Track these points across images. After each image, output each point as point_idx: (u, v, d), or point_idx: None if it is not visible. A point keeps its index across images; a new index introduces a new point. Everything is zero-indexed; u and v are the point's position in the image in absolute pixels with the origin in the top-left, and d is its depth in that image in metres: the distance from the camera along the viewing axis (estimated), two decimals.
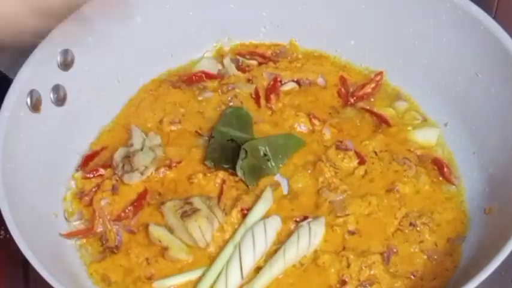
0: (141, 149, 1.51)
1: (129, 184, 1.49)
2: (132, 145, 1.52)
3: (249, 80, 1.61)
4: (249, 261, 1.40)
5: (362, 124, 1.56)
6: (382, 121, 1.56)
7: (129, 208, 1.47)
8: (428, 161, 1.52)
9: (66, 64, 1.50)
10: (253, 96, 1.60)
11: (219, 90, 1.60)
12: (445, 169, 1.50)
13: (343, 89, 1.60)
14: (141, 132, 1.53)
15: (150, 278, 1.40)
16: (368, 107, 1.58)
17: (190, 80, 1.62)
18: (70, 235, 1.45)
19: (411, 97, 1.59)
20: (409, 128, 1.55)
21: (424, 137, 1.54)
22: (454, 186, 1.49)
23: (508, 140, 1.44)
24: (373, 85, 1.60)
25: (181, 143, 1.54)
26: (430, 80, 1.57)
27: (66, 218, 1.48)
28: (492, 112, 1.48)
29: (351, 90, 1.60)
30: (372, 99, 1.59)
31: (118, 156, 1.51)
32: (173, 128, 1.56)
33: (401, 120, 1.56)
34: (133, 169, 1.49)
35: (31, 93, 1.44)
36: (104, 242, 1.44)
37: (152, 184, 1.50)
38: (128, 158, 1.50)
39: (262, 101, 1.59)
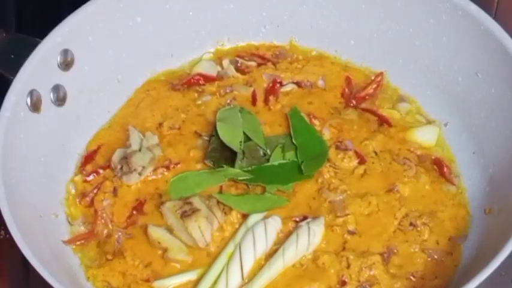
0: (139, 150, 1.51)
1: (128, 185, 1.49)
2: (130, 146, 1.52)
3: (247, 82, 1.61)
4: (249, 261, 1.40)
5: (362, 124, 1.56)
6: (383, 121, 1.56)
7: (133, 213, 1.47)
8: (428, 161, 1.52)
9: (66, 64, 1.50)
10: (251, 98, 1.59)
11: (217, 93, 1.59)
12: (445, 169, 1.50)
13: (347, 90, 1.60)
14: (138, 133, 1.53)
15: (148, 280, 1.40)
16: (370, 108, 1.58)
17: (189, 82, 1.62)
18: (71, 241, 1.45)
19: (412, 97, 1.59)
20: (410, 128, 1.55)
21: (424, 137, 1.54)
22: (454, 186, 1.49)
23: (508, 140, 1.44)
24: (374, 86, 1.60)
25: (180, 144, 1.54)
26: (430, 80, 1.57)
27: (69, 222, 1.48)
28: (492, 112, 1.48)
29: (354, 91, 1.60)
30: (375, 101, 1.59)
31: (116, 157, 1.51)
32: (172, 132, 1.56)
33: (404, 122, 1.56)
34: (131, 170, 1.49)
35: (31, 93, 1.44)
36: (102, 246, 1.44)
37: (152, 185, 1.50)
38: (125, 159, 1.50)
39: (260, 103, 1.59)
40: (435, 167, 1.51)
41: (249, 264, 1.39)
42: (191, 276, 1.40)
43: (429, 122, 1.57)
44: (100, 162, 1.53)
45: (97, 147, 1.55)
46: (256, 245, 1.40)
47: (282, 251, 1.39)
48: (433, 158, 1.52)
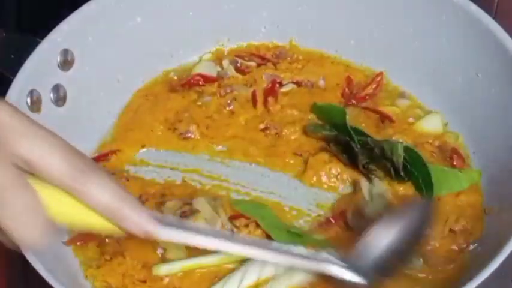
0: None
1: (130, 183, 1.49)
2: None
3: (247, 83, 1.61)
4: (251, 279, 1.36)
5: (364, 122, 1.55)
6: (385, 117, 1.55)
7: None
8: (448, 151, 1.50)
9: (66, 64, 1.50)
10: (250, 99, 1.59)
11: (218, 94, 1.59)
12: (461, 159, 1.49)
13: (347, 89, 1.60)
14: None
15: (145, 281, 1.39)
16: (370, 106, 1.57)
17: (189, 83, 1.61)
18: (71, 242, 1.45)
19: (412, 97, 1.59)
20: (412, 120, 1.54)
21: (431, 125, 1.52)
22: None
23: (508, 140, 1.44)
24: (374, 86, 1.59)
25: None
26: (430, 80, 1.57)
27: None
28: (492, 112, 1.48)
29: (354, 91, 1.60)
30: (375, 101, 1.58)
31: None
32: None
33: (404, 117, 1.55)
34: None
35: (31, 93, 1.44)
36: (102, 247, 1.44)
37: (154, 184, 1.50)
38: None
39: (260, 104, 1.58)
40: (454, 155, 1.48)
41: (249, 281, 1.36)
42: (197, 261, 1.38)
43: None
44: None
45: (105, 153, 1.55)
46: (265, 269, 1.35)
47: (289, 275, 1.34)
48: (451, 148, 1.50)
